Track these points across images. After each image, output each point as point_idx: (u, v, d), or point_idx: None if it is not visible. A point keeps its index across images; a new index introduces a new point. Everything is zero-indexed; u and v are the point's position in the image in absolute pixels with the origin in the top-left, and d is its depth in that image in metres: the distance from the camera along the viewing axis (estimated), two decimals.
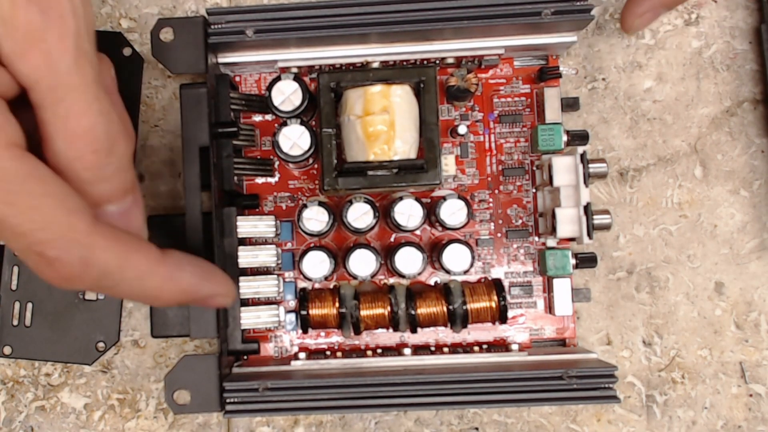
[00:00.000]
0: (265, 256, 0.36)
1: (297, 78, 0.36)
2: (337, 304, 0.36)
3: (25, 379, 0.40)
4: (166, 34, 0.34)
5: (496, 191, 0.39)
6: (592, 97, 0.40)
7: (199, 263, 0.30)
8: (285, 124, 0.36)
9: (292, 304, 0.38)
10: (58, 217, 0.24)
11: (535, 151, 0.38)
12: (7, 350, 0.39)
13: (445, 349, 0.37)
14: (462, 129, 0.38)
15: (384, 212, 0.37)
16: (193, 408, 0.34)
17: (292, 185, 0.39)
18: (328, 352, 0.38)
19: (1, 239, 0.24)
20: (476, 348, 0.37)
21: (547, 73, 0.38)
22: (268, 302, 0.37)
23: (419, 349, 0.38)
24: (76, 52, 0.25)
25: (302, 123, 0.36)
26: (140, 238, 0.28)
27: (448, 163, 0.38)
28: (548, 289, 0.38)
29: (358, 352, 0.38)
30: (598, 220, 0.36)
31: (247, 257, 0.35)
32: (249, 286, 0.36)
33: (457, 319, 0.36)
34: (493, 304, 0.36)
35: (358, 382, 0.34)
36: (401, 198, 0.36)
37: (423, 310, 0.36)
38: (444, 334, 0.38)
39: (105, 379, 0.40)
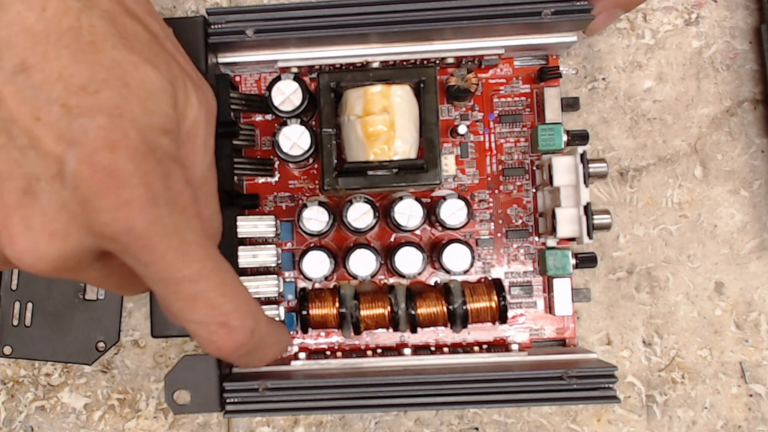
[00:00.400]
0: (265, 256, 0.36)
1: (297, 78, 0.36)
2: (337, 304, 0.36)
3: (25, 379, 0.40)
4: None
5: (496, 191, 0.39)
6: (592, 97, 0.40)
7: (280, 323, 0.32)
8: (285, 124, 0.36)
9: (292, 304, 0.38)
10: (241, 290, 0.26)
11: (535, 151, 0.38)
12: (7, 350, 0.39)
13: (445, 349, 0.37)
14: (462, 129, 0.38)
15: (384, 212, 0.37)
16: (193, 408, 0.34)
17: (292, 185, 0.39)
18: (328, 352, 0.38)
19: (187, 313, 0.25)
20: (476, 348, 0.37)
21: (547, 73, 0.38)
22: (268, 302, 0.37)
23: (419, 349, 0.38)
24: (212, 153, 0.28)
25: (302, 123, 0.36)
26: None
27: (448, 163, 0.38)
28: (548, 289, 0.38)
29: (358, 352, 0.38)
30: (598, 220, 0.36)
31: (247, 257, 0.35)
32: (249, 286, 0.35)
33: (457, 319, 0.36)
34: (493, 304, 0.36)
35: (358, 382, 0.34)
36: (401, 198, 0.36)
37: (423, 310, 0.36)
38: (444, 334, 0.38)
39: (105, 379, 0.40)
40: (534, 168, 0.39)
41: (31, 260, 0.23)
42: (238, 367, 0.36)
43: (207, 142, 0.28)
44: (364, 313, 0.36)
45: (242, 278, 0.35)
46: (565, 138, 0.37)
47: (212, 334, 0.26)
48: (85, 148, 0.22)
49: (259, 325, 0.27)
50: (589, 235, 0.35)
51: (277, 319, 0.36)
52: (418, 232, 0.38)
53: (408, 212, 0.36)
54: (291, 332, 0.38)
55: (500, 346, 0.38)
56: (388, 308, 0.36)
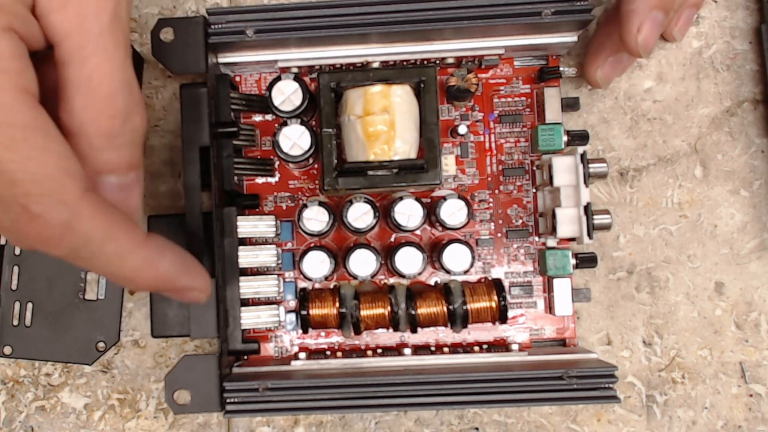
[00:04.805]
0: (265, 256, 0.36)
1: (297, 78, 0.36)
2: (337, 304, 0.36)
3: (25, 379, 0.40)
4: (166, 34, 0.34)
5: (496, 191, 0.39)
6: (592, 97, 0.40)
7: (181, 253, 0.29)
8: (285, 124, 0.36)
9: (292, 304, 0.38)
10: (53, 175, 0.23)
11: (536, 151, 0.38)
12: (7, 350, 0.39)
13: (445, 349, 0.37)
14: (462, 129, 0.38)
15: (384, 212, 0.37)
16: (193, 408, 0.34)
17: (292, 185, 0.39)
18: (328, 352, 0.38)
19: None
20: (476, 348, 0.37)
21: (548, 73, 0.38)
22: (268, 302, 0.37)
23: (419, 349, 0.38)
24: (112, 16, 0.25)
25: (302, 123, 0.36)
26: (128, 217, 0.27)
27: (448, 163, 0.38)
28: (548, 289, 0.38)
29: (358, 352, 0.38)
30: (598, 220, 0.36)
31: (247, 257, 0.35)
32: (249, 286, 0.36)
33: (457, 319, 0.36)
34: (493, 304, 0.36)
35: (358, 382, 0.34)
36: (401, 198, 0.36)
37: (423, 310, 0.36)
38: (444, 334, 0.38)
39: (105, 379, 0.40)
40: (534, 168, 0.39)
41: None
42: (238, 367, 0.36)
43: (99, 9, 0.24)
44: (364, 313, 0.36)
45: (242, 278, 0.35)
46: (565, 138, 0.37)
47: (16, 218, 0.22)
48: None
49: (81, 224, 0.23)
50: (589, 235, 0.35)
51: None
52: (418, 232, 0.38)
53: (408, 212, 0.36)
54: (291, 332, 0.38)
55: (500, 346, 0.38)
56: (388, 308, 0.36)
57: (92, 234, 0.24)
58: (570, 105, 0.38)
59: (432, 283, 0.38)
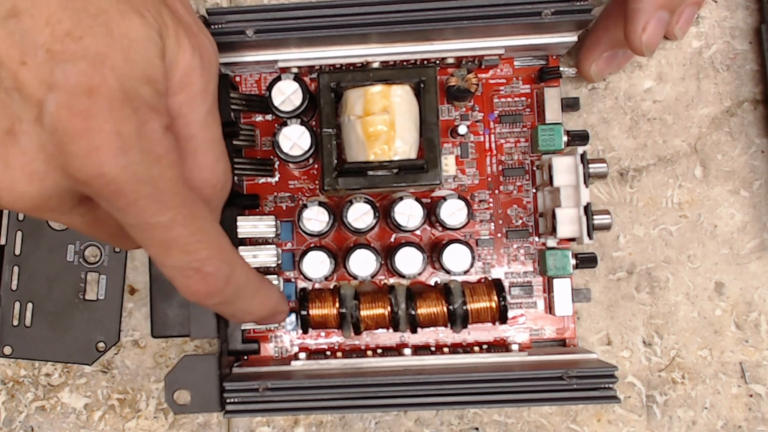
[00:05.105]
0: (265, 256, 0.36)
1: (297, 78, 0.36)
2: (337, 304, 0.36)
3: (25, 379, 0.40)
4: None
5: (496, 191, 0.39)
6: (592, 97, 0.40)
7: (271, 284, 0.33)
8: (285, 124, 0.36)
9: (292, 304, 0.38)
10: (217, 238, 0.27)
11: (536, 151, 0.38)
12: (7, 350, 0.39)
13: (445, 349, 0.37)
14: (462, 129, 0.38)
15: (384, 212, 0.37)
16: (193, 408, 0.34)
17: (292, 185, 0.39)
18: (328, 352, 0.38)
19: (162, 258, 0.26)
20: (476, 348, 0.37)
21: (548, 73, 0.38)
22: None
23: (419, 349, 0.38)
24: (213, 100, 0.28)
25: (302, 123, 0.36)
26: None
27: (448, 163, 0.38)
28: (548, 289, 0.38)
29: (358, 352, 0.38)
30: (598, 220, 0.36)
31: (247, 257, 0.35)
32: None
33: (457, 319, 0.36)
34: (493, 305, 0.36)
35: (358, 382, 0.34)
36: (401, 198, 0.36)
37: (423, 310, 0.36)
38: (444, 334, 0.38)
39: (105, 379, 0.40)
40: (534, 168, 0.38)
41: (10, 198, 0.24)
42: (238, 367, 0.36)
43: (205, 90, 0.28)
44: (364, 313, 0.36)
45: None
46: (565, 138, 0.37)
47: (187, 278, 0.26)
48: (64, 93, 0.23)
49: (235, 274, 0.27)
50: (589, 236, 0.35)
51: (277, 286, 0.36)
52: (418, 232, 0.38)
53: (408, 212, 0.36)
54: (291, 332, 0.38)
55: (500, 346, 0.38)
56: (388, 308, 0.36)
57: (242, 280, 0.28)
58: (570, 105, 0.38)
59: (432, 283, 0.38)
